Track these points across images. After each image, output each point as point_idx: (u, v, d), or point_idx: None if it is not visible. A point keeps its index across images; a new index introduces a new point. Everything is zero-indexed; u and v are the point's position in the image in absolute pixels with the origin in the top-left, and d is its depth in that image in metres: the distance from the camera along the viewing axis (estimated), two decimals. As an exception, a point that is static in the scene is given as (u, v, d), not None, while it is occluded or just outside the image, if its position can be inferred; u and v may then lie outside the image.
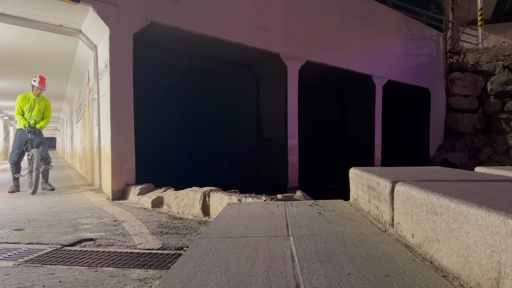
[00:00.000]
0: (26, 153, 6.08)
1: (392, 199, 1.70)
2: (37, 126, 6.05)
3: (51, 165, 6.23)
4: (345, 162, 9.90)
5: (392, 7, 10.16)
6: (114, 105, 5.04)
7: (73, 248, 2.49)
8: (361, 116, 9.85)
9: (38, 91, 6.14)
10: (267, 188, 4.71)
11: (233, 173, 9.42)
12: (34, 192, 5.61)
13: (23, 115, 6.08)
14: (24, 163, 6.13)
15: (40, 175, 5.91)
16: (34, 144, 5.98)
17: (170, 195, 4.13)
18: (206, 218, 3.58)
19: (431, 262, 1.29)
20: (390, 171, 2.22)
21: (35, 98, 6.15)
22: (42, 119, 6.21)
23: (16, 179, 6.06)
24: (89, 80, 7.56)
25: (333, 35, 8.20)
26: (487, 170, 2.55)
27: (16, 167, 6.08)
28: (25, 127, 5.99)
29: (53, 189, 6.08)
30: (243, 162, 9.03)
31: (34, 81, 6.14)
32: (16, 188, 5.99)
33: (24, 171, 6.06)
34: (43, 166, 5.98)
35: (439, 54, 11.69)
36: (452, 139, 11.82)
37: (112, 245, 2.55)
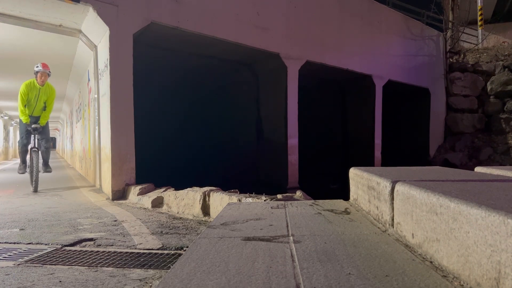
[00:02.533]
0: (31, 148, 5.98)
1: (392, 199, 1.70)
2: (40, 122, 5.91)
3: (49, 169, 6.30)
4: (345, 162, 9.90)
5: (392, 7, 10.16)
6: (114, 105, 5.04)
7: (73, 248, 2.49)
8: (361, 116, 9.85)
9: (43, 77, 5.71)
10: (267, 188, 4.71)
11: (233, 173, 9.42)
12: (35, 191, 5.71)
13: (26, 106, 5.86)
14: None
15: (41, 162, 5.98)
16: (38, 142, 5.95)
17: (170, 195, 4.13)
18: (206, 218, 3.58)
19: (431, 262, 1.29)
20: (390, 171, 2.22)
21: (40, 88, 5.80)
22: (44, 109, 5.98)
23: (24, 163, 6.22)
24: (89, 80, 7.55)
25: (333, 35, 8.20)
26: (487, 170, 2.55)
27: (23, 154, 6.16)
28: (28, 124, 5.85)
29: (50, 171, 6.27)
30: (243, 162, 9.03)
31: (37, 66, 5.71)
32: (22, 171, 6.23)
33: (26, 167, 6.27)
34: (42, 171, 6.04)
35: (439, 54, 11.69)
36: (452, 139, 11.82)
37: (112, 245, 2.55)
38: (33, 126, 5.85)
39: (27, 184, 6.29)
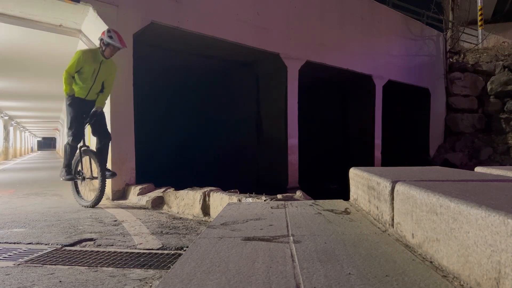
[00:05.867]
0: (80, 147, 4.32)
1: (392, 199, 1.70)
2: (98, 103, 4.22)
3: (115, 173, 4.34)
4: (345, 162, 9.90)
5: (392, 7, 10.17)
6: (114, 105, 5.04)
7: (73, 248, 2.49)
8: (361, 116, 9.85)
9: (113, 53, 4.13)
10: (267, 188, 4.71)
11: (233, 173, 9.42)
12: (95, 204, 4.13)
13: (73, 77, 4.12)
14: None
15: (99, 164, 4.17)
16: (97, 133, 4.30)
17: (170, 195, 4.13)
18: (206, 218, 3.58)
19: (431, 262, 1.29)
20: (390, 171, 2.22)
21: (102, 61, 4.11)
22: (102, 91, 4.31)
23: (68, 166, 4.32)
24: (89, 80, 7.54)
25: (333, 35, 8.20)
26: (487, 170, 2.55)
27: (71, 151, 4.27)
28: (84, 99, 4.17)
29: (115, 175, 4.38)
30: (243, 162, 9.03)
31: (110, 37, 3.99)
32: (70, 176, 4.32)
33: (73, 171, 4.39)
34: (107, 174, 4.19)
35: (439, 54, 11.69)
36: (452, 139, 11.82)
37: (112, 245, 2.55)
38: (93, 110, 4.18)
39: (28, 184, 6.16)
